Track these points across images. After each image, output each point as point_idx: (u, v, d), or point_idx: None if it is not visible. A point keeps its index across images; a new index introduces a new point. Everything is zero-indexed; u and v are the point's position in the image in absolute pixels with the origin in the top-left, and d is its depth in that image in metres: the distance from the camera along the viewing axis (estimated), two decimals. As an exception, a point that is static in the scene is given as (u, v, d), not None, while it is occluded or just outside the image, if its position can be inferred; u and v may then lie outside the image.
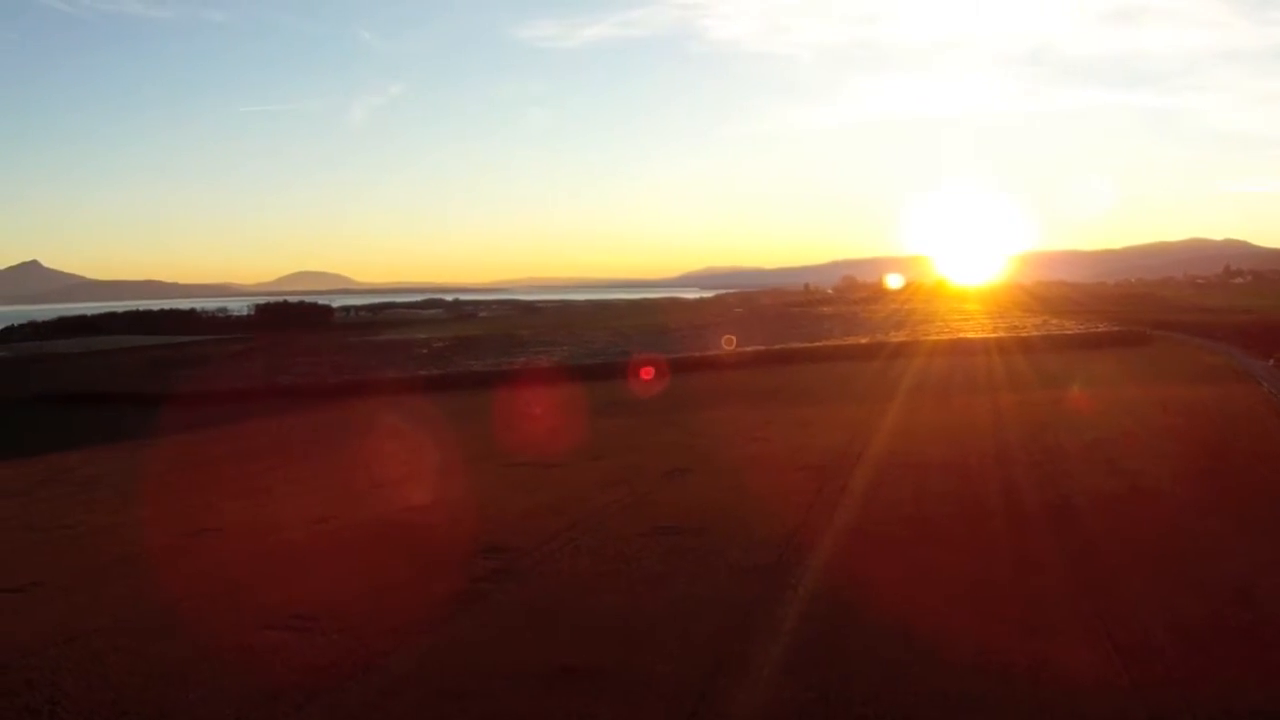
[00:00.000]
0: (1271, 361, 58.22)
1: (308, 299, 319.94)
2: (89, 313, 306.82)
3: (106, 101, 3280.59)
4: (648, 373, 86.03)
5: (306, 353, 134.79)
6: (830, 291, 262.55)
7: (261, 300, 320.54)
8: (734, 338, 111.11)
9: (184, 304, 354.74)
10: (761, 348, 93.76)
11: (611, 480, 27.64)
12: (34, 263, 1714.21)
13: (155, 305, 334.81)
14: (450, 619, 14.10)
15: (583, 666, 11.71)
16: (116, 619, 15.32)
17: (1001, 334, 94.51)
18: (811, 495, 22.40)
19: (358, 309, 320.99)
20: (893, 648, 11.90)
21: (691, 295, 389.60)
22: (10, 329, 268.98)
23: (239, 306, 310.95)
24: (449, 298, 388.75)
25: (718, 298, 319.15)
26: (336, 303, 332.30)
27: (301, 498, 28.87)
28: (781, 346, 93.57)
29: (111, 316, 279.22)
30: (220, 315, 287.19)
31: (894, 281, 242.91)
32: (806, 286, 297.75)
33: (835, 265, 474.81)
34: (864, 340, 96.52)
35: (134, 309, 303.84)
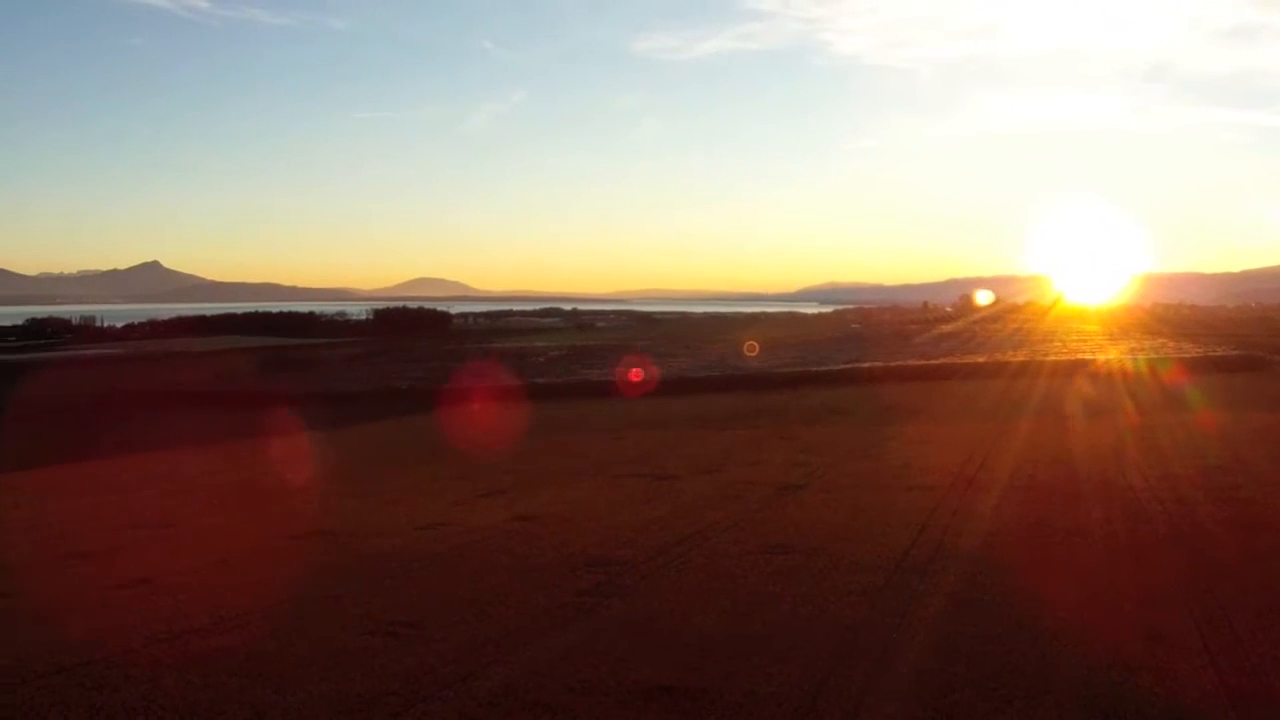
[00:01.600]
0: None
1: (426, 305, 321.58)
2: (207, 313, 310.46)
3: (227, 106, 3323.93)
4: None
5: (423, 358, 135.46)
6: (949, 309, 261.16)
7: (380, 305, 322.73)
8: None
9: (302, 307, 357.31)
10: (878, 364, 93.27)
11: (724, 495, 27.38)
12: (155, 263, 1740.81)
13: (274, 308, 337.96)
14: (551, 632, 13.95)
15: (682, 686, 11.51)
16: (217, 618, 15.32)
17: (1121, 355, 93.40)
18: (924, 516, 22.06)
19: (476, 316, 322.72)
20: (1001, 678, 11.59)
21: (810, 310, 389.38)
22: (130, 326, 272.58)
23: (357, 311, 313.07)
24: (567, 307, 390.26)
25: (836, 313, 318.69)
26: (455, 309, 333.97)
27: (411, 503, 28.77)
28: (898, 364, 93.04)
29: (229, 317, 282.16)
30: (338, 319, 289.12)
31: (1012, 300, 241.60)
32: (925, 304, 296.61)
33: (954, 283, 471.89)
34: (981, 359, 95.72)
35: (252, 310, 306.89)
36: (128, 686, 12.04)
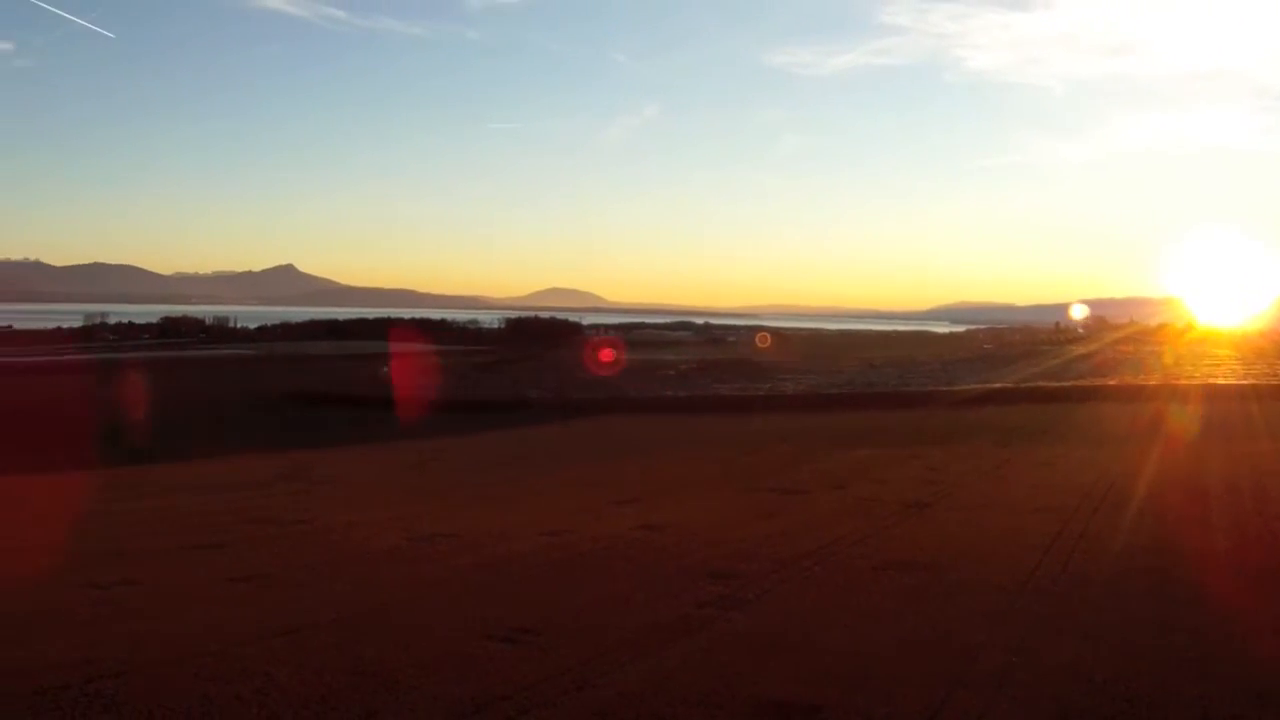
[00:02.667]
0: None
1: (558, 315, 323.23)
2: (340, 317, 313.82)
3: (362, 114, 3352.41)
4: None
5: (554, 368, 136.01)
6: (1080, 330, 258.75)
7: (513, 314, 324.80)
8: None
9: (435, 314, 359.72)
10: (1009, 385, 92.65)
11: (850, 510, 27.19)
12: (289, 266, 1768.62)
13: (406, 314, 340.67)
14: (670, 643, 13.85)
15: (799, 702, 11.39)
16: (337, 616, 15.46)
17: (1258, 380, 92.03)
18: (1050, 539, 21.79)
19: (608, 327, 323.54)
20: (1123, 706, 11.42)
21: (942, 329, 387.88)
22: (263, 328, 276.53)
23: (490, 319, 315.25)
24: (699, 320, 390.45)
25: (968, 332, 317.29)
26: (587, 320, 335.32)
27: (538, 509, 28.88)
28: (1029, 385, 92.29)
29: (362, 322, 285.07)
30: (471, 327, 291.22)
31: (1145, 322, 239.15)
32: (1057, 324, 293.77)
33: (1088, 304, 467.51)
34: (1113, 382, 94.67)
35: (385, 316, 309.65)
36: (241, 679, 12.11)
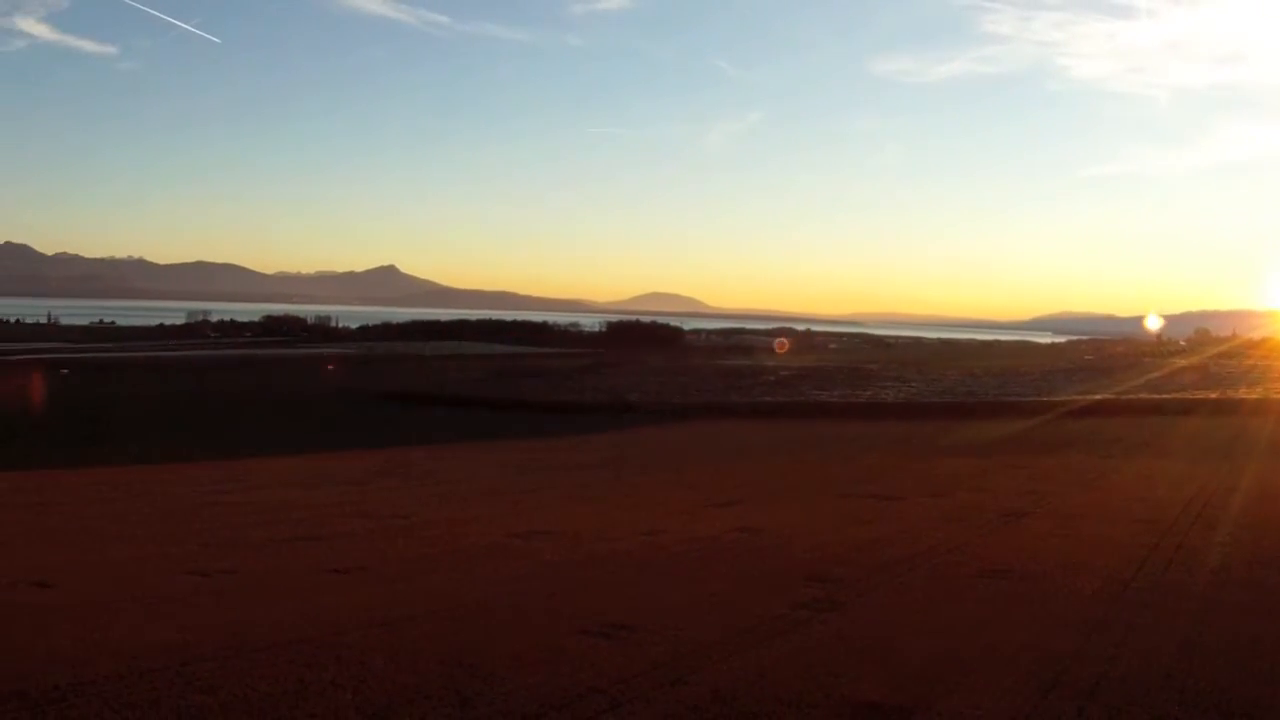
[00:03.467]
0: None
1: (659, 319, 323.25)
2: (442, 318, 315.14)
3: (464, 118, 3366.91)
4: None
5: (655, 372, 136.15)
6: (1182, 343, 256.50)
7: (614, 318, 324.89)
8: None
9: (536, 317, 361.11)
10: (1109, 396, 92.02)
11: (948, 518, 27.17)
12: (391, 267, 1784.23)
13: (507, 315, 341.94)
14: (764, 642, 13.93)
15: (890, 704, 11.41)
16: (433, 608, 15.71)
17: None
18: (1147, 550, 21.69)
19: (709, 333, 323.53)
20: None
21: (1044, 339, 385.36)
22: (364, 328, 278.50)
23: (591, 323, 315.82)
24: (800, 327, 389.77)
25: (1070, 343, 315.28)
26: (688, 325, 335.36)
27: (635, 510, 29.02)
28: (1130, 397, 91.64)
29: (463, 324, 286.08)
30: (572, 330, 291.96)
31: (1249, 335, 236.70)
32: (1159, 337, 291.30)
33: (1191, 315, 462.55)
34: (1214, 395, 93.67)
35: (487, 318, 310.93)
36: (336, 665, 12.33)
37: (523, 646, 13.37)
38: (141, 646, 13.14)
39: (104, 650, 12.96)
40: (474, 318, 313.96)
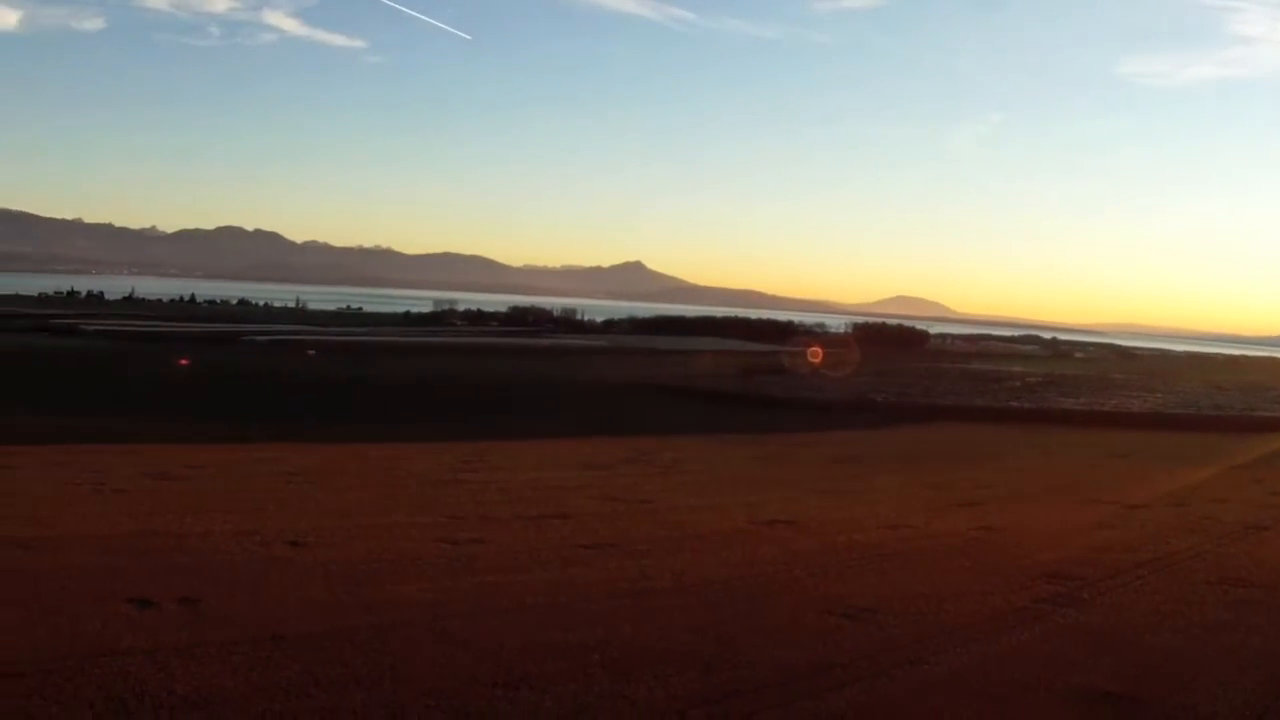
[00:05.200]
0: None
1: (905, 323, 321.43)
2: (686, 314, 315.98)
3: (705, 114, 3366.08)
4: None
5: (899, 374, 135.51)
6: None
7: (859, 320, 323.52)
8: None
9: (782, 316, 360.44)
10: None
11: (1187, 527, 26.91)
12: (637, 263, 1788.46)
13: (752, 314, 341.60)
14: (1003, 632, 14.17)
15: (1125, 694, 11.60)
16: (678, 584, 16.17)
17: None
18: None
19: (953, 337, 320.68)
20: None
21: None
22: (610, 322, 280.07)
23: (836, 324, 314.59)
24: (1046, 335, 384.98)
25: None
26: (933, 329, 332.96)
27: (876, 505, 29.21)
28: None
29: (708, 320, 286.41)
30: (817, 330, 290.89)
31: None
32: None
33: None
34: None
35: (732, 315, 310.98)
36: (584, 629, 12.89)
37: (766, 622, 13.76)
38: (393, 602, 13.89)
39: (356, 603, 13.74)
40: (719, 315, 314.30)
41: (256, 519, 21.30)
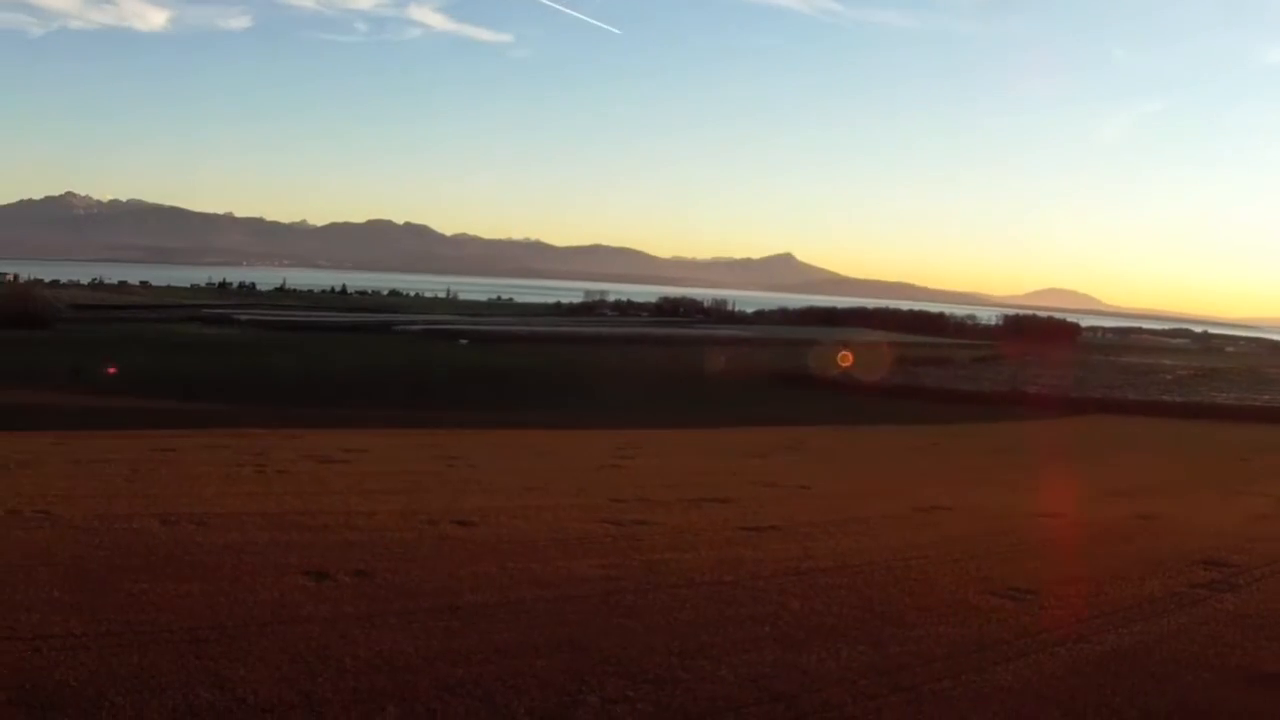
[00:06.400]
0: None
1: (1055, 315, 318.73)
2: (837, 306, 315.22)
3: (852, 105, 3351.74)
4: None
5: (1050, 365, 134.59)
6: None
7: (1010, 312, 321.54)
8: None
9: (933, 308, 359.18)
10: None
11: (1347, 519, 26.93)
12: (788, 255, 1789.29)
13: (904, 306, 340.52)
14: (1163, 614, 14.16)
15: (1288, 676, 11.73)
16: (842, 563, 16.42)
17: None
18: None
19: (1104, 331, 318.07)
20: None
21: None
22: (760, 313, 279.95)
23: (987, 316, 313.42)
24: (1197, 329, 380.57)
25: None
26: (1084, 322, 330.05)
27: (1034, 493, 29.48)
28: None
29: (860, 312, 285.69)
30: (968, 322, 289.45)
31: None
32: None
33: None
34: None
35: (883, 308, 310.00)
36: (753, 604, 13.17)
37: (931, 601, 13.91)
38: (563, 577, 14.20)
39: (527, 578, 14.03)
40: (871, 306, 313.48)
41: (421, 499, 21.91)
